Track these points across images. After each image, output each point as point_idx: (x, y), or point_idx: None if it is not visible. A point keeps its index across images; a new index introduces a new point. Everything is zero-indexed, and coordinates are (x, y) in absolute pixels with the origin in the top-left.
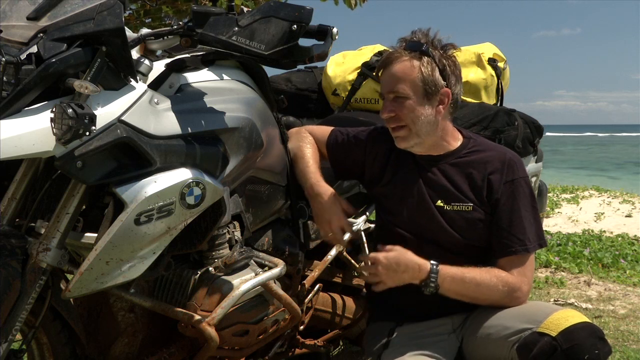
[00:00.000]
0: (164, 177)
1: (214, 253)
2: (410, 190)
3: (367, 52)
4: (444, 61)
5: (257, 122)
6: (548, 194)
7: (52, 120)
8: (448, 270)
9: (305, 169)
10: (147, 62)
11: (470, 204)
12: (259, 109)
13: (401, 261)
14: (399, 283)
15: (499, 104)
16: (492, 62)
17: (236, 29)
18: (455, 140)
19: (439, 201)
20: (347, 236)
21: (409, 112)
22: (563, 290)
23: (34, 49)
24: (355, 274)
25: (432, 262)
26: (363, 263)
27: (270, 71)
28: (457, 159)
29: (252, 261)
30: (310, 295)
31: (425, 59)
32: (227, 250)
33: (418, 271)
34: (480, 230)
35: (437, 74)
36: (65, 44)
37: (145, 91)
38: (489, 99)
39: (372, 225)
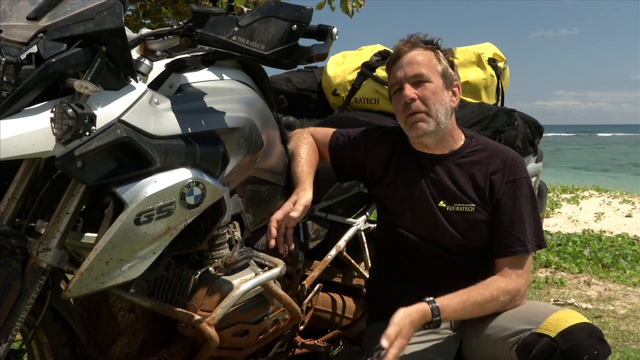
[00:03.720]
0: (164, 177)
1: (214, 253)
2: (412, 191)
3: (367, 52)
4: (451, 59)
5: (257, 122)
6: (548, 194)
7: (52, 120)
8: (448, 305)
9: (294, 169)
10: (147, 62)
11: (472, 205)
12: (259, 109)
13: (410, 334)
14: None
15: (499, 104)
16: (492, 62)
17: (236, 29)
18: (459, 139)
19: (442, 202)
20: (271, 242)
21: (432, 94)
22: (563, 290)
23: (34, 49)
24: (355, 274)
25: (429, 302)
26: None
27: (270, 71)
28: (460, 159)
29: (252, 261)
30: (310, 295)
31: (440, 52)
32: (227, 250)
33: (423, 323)
34: (482, 231)
35: (449, 67)
36: (65, 44)
37: (145, 91)
38: (489, 99)
39: (373, 225)
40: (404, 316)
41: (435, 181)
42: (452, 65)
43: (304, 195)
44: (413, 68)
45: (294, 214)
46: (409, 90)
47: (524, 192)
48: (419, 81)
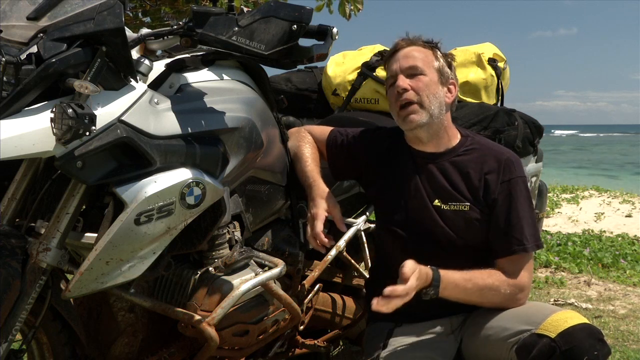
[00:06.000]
0: (164, 177)
1: (214, 253)
2: (408, 190)
3: (367, 52)
4: (449, 59)
5: (257, 122)
6: (548, 194)
7: (52, 120)
8: (450, 277)
9: (304, 169)
10: (147, 62)
11: (467, 204)
12: (259, 109)
13: (421, 278)
14: None
15: (499, 104)
16: (492, 62)
17: (236, 29)
18: (454, 138)
19: (437, 200)
20: (325, 242)
21: (425, 86)
22: (563, 290)
23: (34, 49)
24: (355, 274)
25: (432, 268)
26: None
27: (270, 71)
28: (455, 157)
29: (252, 261)
30: (310, 295)
31: (438, 52)
32: (227, 250)
33: (425, 280)
34: (477, 229)
35: (446, 66)
36: (65, 44)
37: (145, 91)
38: (489, 99)
39: (372, 225)
40: (419, 271)
41: (430, 180)
42: (449, 65)
43: (331, 198)
44: (408, 60)
45: (340, 226)
46: (402, 81)
47: (520, 192)
48: (413, 73)
